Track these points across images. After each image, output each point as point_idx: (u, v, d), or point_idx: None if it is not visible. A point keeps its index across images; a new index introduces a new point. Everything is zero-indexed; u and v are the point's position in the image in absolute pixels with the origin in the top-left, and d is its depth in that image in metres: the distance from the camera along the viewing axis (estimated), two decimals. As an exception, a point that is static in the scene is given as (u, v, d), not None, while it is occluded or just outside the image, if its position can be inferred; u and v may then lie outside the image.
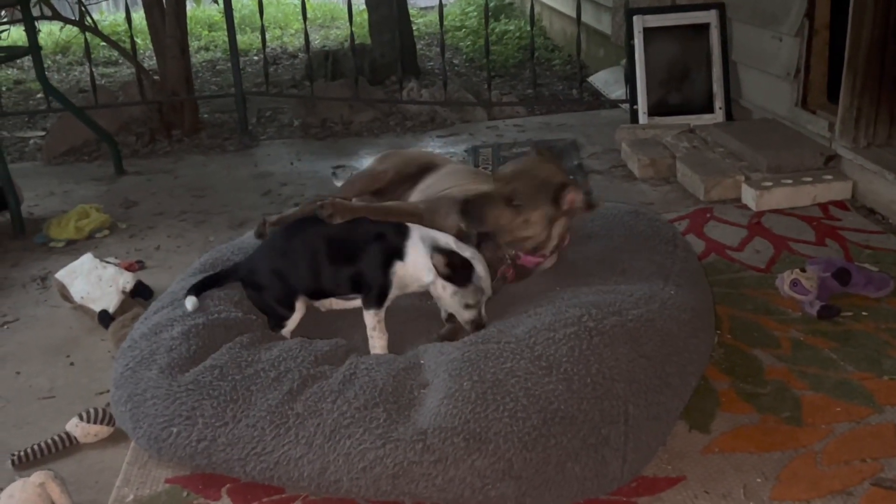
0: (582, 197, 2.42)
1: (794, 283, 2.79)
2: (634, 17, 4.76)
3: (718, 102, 4.64)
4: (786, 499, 1.97)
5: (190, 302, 2.43)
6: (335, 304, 2.57)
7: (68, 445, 2.29)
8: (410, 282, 2.42)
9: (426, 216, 2.53)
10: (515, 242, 2.48)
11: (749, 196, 3.70)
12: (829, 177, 3.74)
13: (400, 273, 2.39)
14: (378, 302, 2.39)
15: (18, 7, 4.48)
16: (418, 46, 8.07)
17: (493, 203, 2.40)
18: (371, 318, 2.40)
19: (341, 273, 2.43)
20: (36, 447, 2.26)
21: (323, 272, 2.44)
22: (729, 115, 4.64)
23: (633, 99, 4.82)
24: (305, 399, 2.07)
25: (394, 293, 2.42)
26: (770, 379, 2.42)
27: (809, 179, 3.72)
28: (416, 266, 2.38)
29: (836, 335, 2.63)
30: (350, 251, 2.42)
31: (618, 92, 5.77)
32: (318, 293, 2.51)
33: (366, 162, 4.79)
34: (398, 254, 2.38)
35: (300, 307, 2.47)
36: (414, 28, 8.23)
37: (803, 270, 2.82)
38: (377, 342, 2.40)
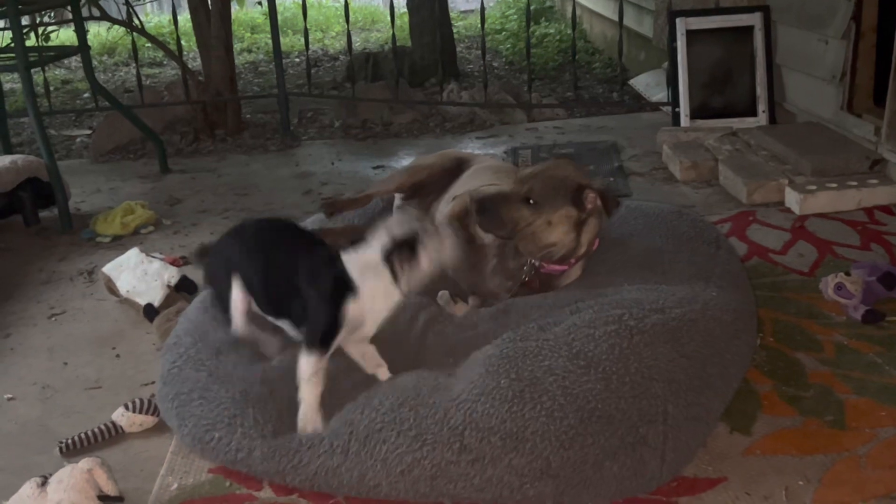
0: (604, 196, 2.32)
1: (839, 287, 2.75)
2: (678, 20, 4.73)
3: (762, 105, 4.60)
4: (829, 502, 1.94)
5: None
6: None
7: (114, 434, 2.34)
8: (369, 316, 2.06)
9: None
10: (543, 251, 2.41)
11: (793, 200, 3.66)
12: (875, 181, 3.68)
13: (355, 312, 2.02)
14: (324, 342, 2.01)
15: (68, 8, 4.59)
16: (458, 49, 8.10)
17: (510, 202, 2.32)
18: (311, 364, 2.00)
19: (284, 302, 2.10)
20: (83, 435, 2.30)
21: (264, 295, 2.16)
22: (772, 119, 4.59)
23: (674, 101, 4.79)
24: (336, 413, 2.06)
25: (342, 335, 2.05)
26: (813, 382, 2.39)
27: (854, 183, 3.67)
28: (373, 295, 2.04)
29: (881, 339, 2.59)
30: (292, 276, 2.07)
31: (659, 95, 5.73)
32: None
33: (405, 162, 4.85)
34: (350, 288, 2.01)
35: None
36: (454, 31, 8.26)
37: (848, 274, 2.79)
38: (309, 395, 2.01)
